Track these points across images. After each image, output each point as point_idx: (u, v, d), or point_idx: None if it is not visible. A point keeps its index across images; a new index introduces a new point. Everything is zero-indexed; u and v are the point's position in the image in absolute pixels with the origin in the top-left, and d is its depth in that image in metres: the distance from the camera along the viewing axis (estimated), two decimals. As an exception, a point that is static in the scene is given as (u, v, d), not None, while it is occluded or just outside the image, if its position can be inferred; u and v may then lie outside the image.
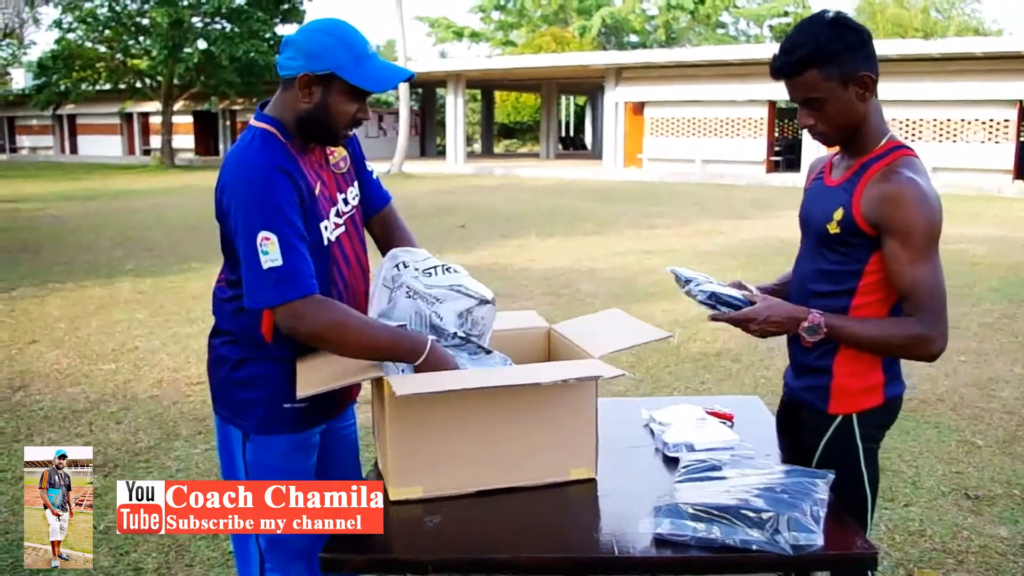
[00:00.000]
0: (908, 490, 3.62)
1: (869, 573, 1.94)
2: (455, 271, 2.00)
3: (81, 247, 10.87)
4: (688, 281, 1.91)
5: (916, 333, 1.76)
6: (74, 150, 39.21)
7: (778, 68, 1.80)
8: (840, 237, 1.83)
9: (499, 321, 2.12)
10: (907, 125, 21.52)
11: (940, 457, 3.97)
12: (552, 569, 1.50)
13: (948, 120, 20.90)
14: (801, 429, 1.98)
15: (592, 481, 1.84)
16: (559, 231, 12.12)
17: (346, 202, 2.03)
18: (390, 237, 2.20)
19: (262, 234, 1.74)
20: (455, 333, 1.91)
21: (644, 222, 13.18)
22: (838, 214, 1.82)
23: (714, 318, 1.87)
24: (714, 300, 1.86)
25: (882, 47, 21.86)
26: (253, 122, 1.91)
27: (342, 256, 1.98)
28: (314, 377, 1.81)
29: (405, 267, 1.98)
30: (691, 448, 1.96)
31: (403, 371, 1.88)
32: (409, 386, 1.67)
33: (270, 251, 1.74)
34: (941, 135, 21.06)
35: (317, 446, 2.05)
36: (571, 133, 45.94)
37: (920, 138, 21.42)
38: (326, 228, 1.91)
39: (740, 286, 1.94)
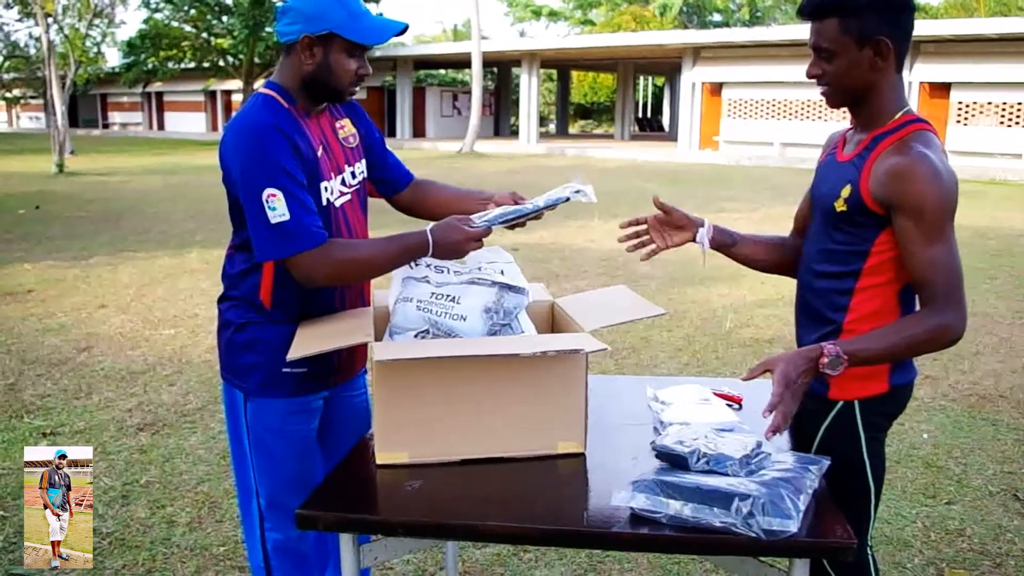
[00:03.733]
0: (952, 488, 3.47)
1: (872, 567, 1.88)
2: (465, 260, 2.01)
3: (158, 218, 11.30)
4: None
5: (936, 324, 1.65)
6: (161, 126, 40.69)
7: (803, 6, 1.74)
8: (847, 215, 1.74)
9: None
10: (1006, 109, 20.42)
11: (992, 456, 3.79)
12: (515, 539, 1.49)
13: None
14: (802, 414, 1.91)
15: (581, 456, 1.82)
16: (623, 213, 11.79)
17: (353, 175, 2.07)
18: (425, 198, 2.29)
19: (268, 191, 1.79)
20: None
21: (712, 205, 12.92)
22: (846, 191, 1.73)
23: (770, 413, 1.66)
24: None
25: (981, 26, 20.83)
26: (259, 89, 1.95)
27: (345, 223, 2.01)
28: (307, 341, 1.84)
29: (416, 264, 1.98)
30: (687, 428, 1.92)
31: (392, 337, 1.90)
32: (390, 352, 1.68)
33: (277, 207, 1.79)
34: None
35: (319, 411, 2.09)
36: (648, 114, 45.30)
37: (1018, 123, 20.33)
38: (327, 190, 1.94)
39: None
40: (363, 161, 2.13)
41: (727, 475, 1.57)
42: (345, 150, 2.06)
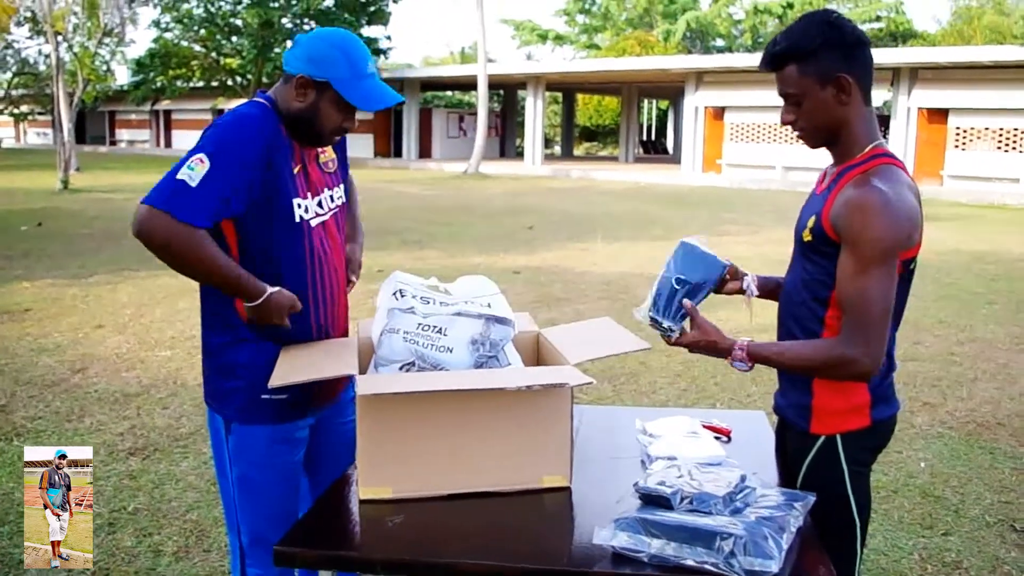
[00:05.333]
0: (949, 518, 3.43)
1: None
2: (452, 291, 1.99)
3: (160, 237, 11.29)
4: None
5: (837, 355, 1.67)
6: (169, 144, 40.89)
7: (761, 59, 1.79)
8: (813, 245, 1.77)
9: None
10: (1003, 134, 20.50)
11: (990, 485, 3.76)
12: (493, 578, 1.46)
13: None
14: (787, 449, 1.91)
15: (567, 489, 1.80)
16: (626, 235, 11.99)
17: (331, 199, 2.09)
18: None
19: (200, 155, 1.78)
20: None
21: (714, 228, 12.93)
22: (811, 221, 1.77)
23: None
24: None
25: (977, 53, 21.00)
26: (255, 98, 1.99)
27: (320, 243, 2.02)
28: (289, 369, 1.83)
29: (402, 295, 1.96)
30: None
31: (378, 369, 1.89)
32: (373, 386, 1.67)
33: (195, 169, 1.76)
34: (1040, 145, 20.04)
35: (304, 442, 2.07)
36: (652, 137, 45.45)
37: (1015, 148, 20.39)
38: (299, 207, 1.95)
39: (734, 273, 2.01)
40: (341, 186, 2.16)
41: (711, 514, 1.55)
42: (324, 175, 2.08)
